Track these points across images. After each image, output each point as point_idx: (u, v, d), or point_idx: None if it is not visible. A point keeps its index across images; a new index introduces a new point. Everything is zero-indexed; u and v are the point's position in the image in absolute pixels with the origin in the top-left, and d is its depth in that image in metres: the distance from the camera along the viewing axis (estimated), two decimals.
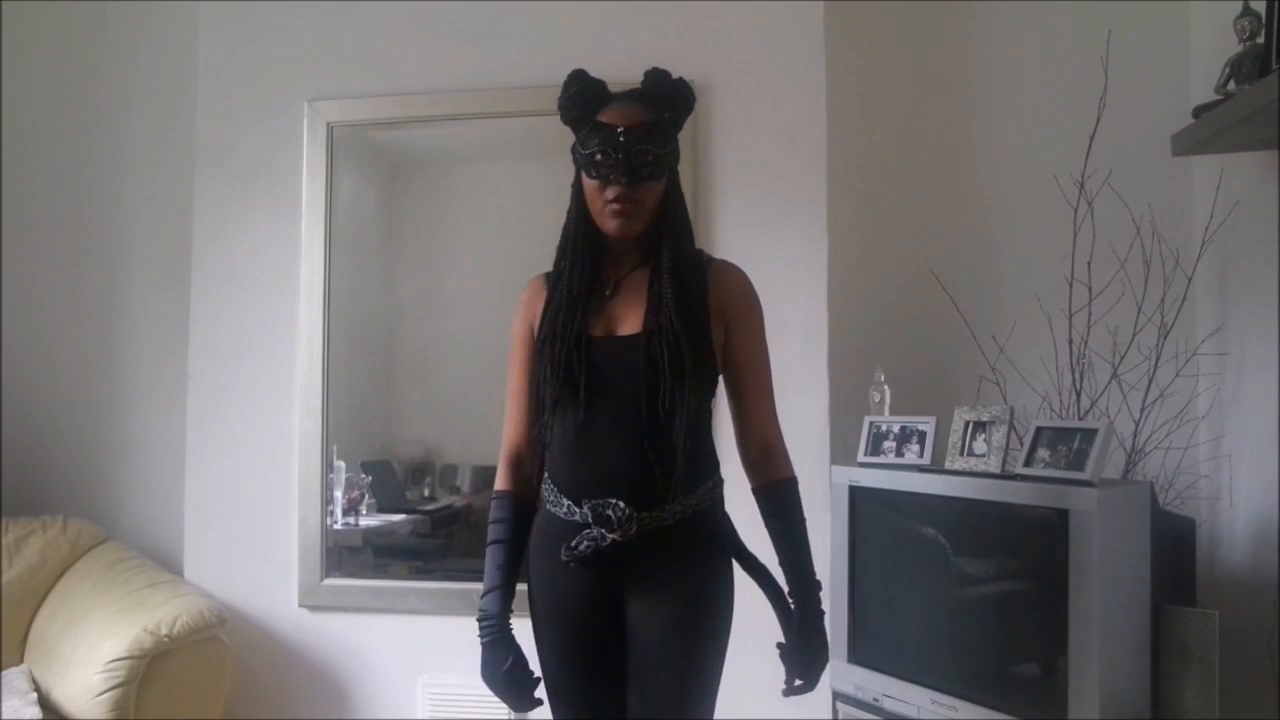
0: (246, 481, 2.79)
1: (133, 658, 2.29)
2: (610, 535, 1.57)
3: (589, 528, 1.59)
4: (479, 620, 1.68)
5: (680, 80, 1.67)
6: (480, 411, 2.85)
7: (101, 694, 2.26)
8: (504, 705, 2.69)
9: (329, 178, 2.78)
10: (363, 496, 2.81)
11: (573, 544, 1.60)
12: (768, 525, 1.71)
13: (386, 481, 2.86)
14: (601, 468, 1.61)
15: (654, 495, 1.59)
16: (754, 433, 1.72)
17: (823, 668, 1.69)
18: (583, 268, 1.66)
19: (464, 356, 2.85)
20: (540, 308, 1.71)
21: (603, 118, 1.62)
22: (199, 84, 2.88)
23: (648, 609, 1.63)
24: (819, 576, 1.71)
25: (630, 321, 1.64)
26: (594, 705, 1.69)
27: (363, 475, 2.82)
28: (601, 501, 1.58)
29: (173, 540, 2.88)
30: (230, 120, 2.85)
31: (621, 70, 2.61)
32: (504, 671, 1.65)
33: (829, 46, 2.59)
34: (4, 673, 2.51)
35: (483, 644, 1.68)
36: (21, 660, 2.61)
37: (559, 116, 1.68)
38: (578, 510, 1.61)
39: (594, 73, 2.70)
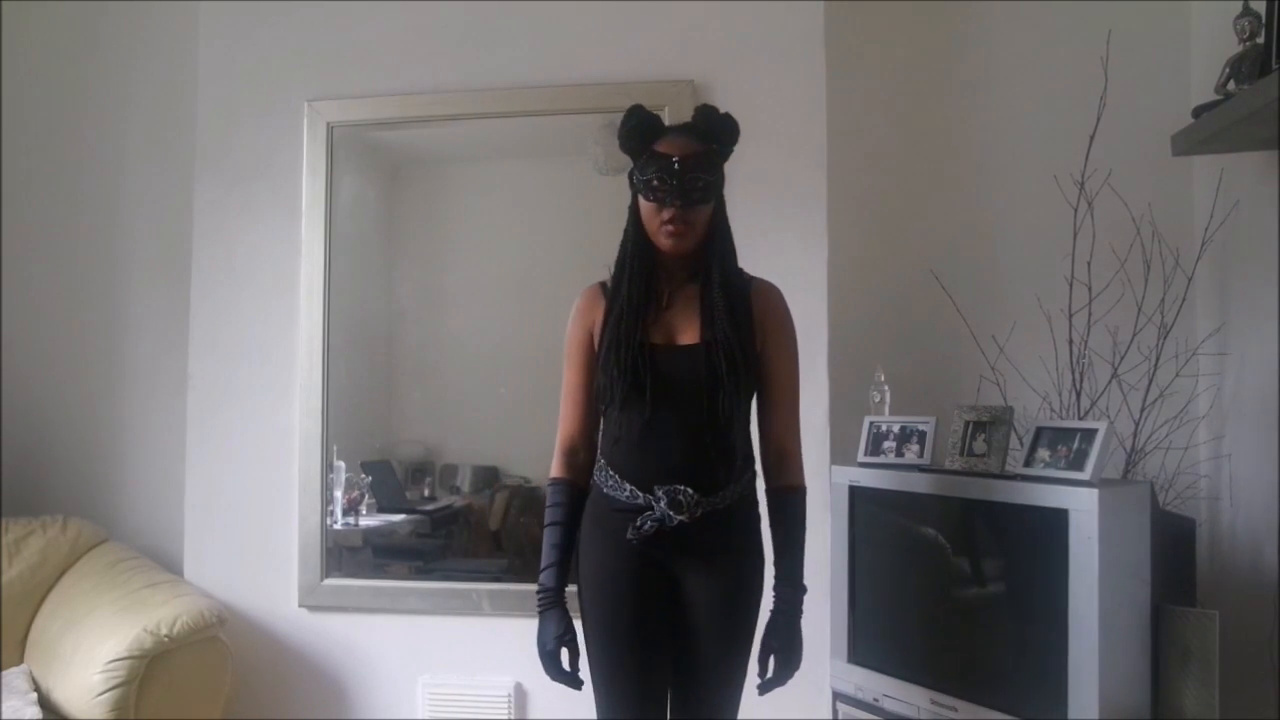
0: (246, 481, 2.79)
1: (133, 658, 2.29)
2: (679, 517, 1.75)
3: (651, 510, 1.76)
4: (537, 593, 1.84)
5: (727, 115, 1.85)
6: (480, 411, 2.85)
7: (101, 694, 2.26)
8: (504, 705, 2.70)
9: (329, 178, 2.78)
10: (363, 496, 2.81)
11: (638, 524, 1.76)
12: (771, 526, 1.87)
13: (386, 481, 2.86)
14: (666, 460, 1.78)
15: (712, 483, 1.78)
16: (773, 439, 1.89)
17: (795, 668, 1.83)
18: (641, 281, 1.83)
19: (464, 356, 2.85)
20: (599, 315, 1.87)
21: (659, 148, 1.79)
22: (199, 84, 2.88)
23: (700, 582, 1.81)
24: (809, 582, 1.86)
25: (688, 332, 1.82)
26: (638, 671, 1.82)
27: (363, 475, 2.82)
28: (674, 488, 1.76)
29: (173, 540, 2.87)
30: (230, 120, 2.85)
31: (622, 70, 2.64)
32: (556, 638, 1.80)
33: (829, 46, 2.59)
34: (4, 673, 2.51)
35: (540, 615, 1.83)
36: (21, 660, 2.61)
37: (618, 146, 1.84)
38: (641, 495, 1.78)
39: (594, 72, 2.71)
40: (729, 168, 1.86)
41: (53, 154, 3.18)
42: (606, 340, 1.82)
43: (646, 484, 1.78)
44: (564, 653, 1.81)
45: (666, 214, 1.77)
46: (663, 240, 1.79)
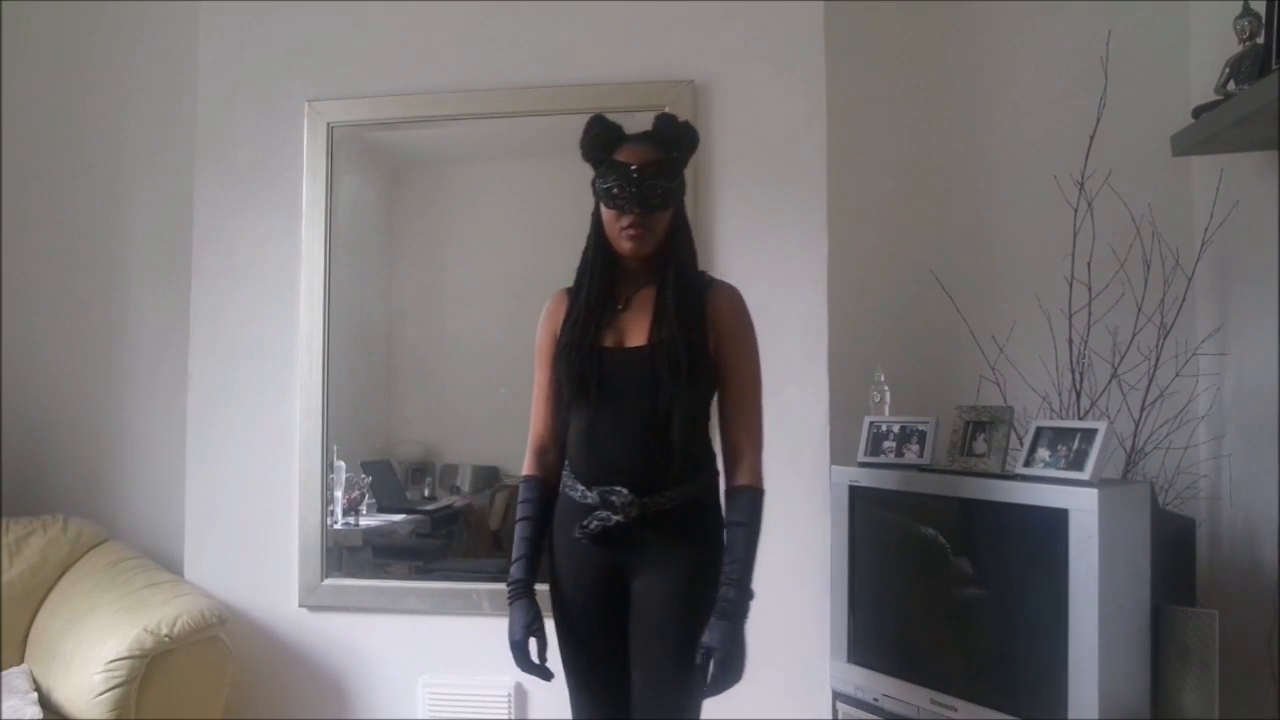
0: (246, 481, 2.79)
1: (133, 657, 2.29)
2: (615, 517, 1.78)
3: (598, 509, 1.80)
4: (508, 584, 1.90)
5: (686, 124, 1.91)
6: (480, 411, 2.85)
7: (102, 694, 2.26)
8: (504, 705, 2.71)
9: (329, 178, 2.78)
10: (363, 496, 2.81)
11: (585, 523, 1.81)
12: (726, 526, 1.85)
13: (386, 481, 2.86)
14: (609, 459, 1.82)
15: (654, 483, 1.80)
16: (729, 439, 1.88)
17: (734, 677, 1.76)
18: (598, 287, 1.89)
19: (464, 356, 2.85)
20: (562, 318, 1.92)
21: (619, 156, 1.84)
22: (199, 84, 2.88)
23: (650, 581, 1.82)
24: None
25: (637, 334, 1.85)
26: (592, 670, 1.88)
27: (363, 475, 2.82)
28: (608, 488, 1.80)
29: (173, 540, 2.87)
30: (230, 120, 2.85)
31: (622, 70, 2.64)
32: (524, 627, 1.85)
33: (829, 46, 2.59)
34: (4, 673, 2.51)
35: (509, 606, 1.88)
36: (22, 660, 2.62)
37: (580, 155, 1.88)
38: (589, 494, 1.82)
39: (594, 72, 2.72)
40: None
41: (53, 154, 3.18)
42: (562, 343, 1.88)
43: (590, 482, 1.82)
44: (532, 643, 1.85)
45: (625, 220, 1.81)
46: (623, 244, 1.84)
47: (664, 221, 1.86)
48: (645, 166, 1.81)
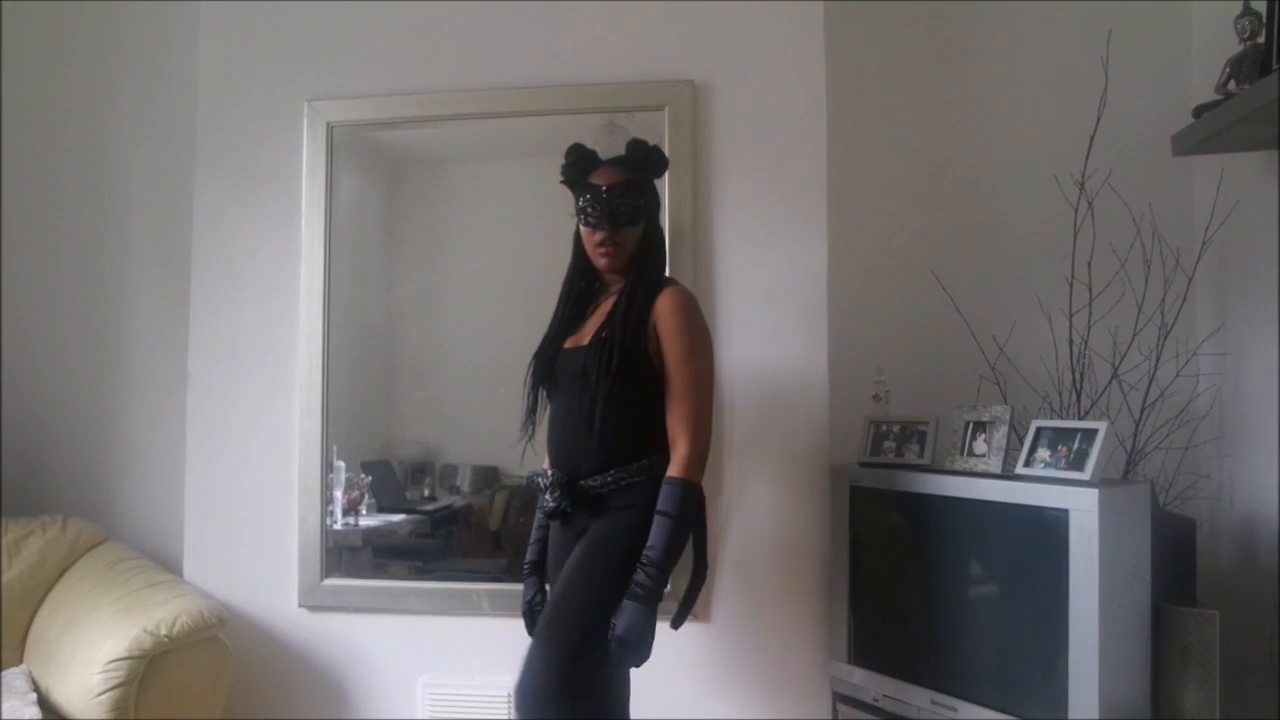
0: (246, 481, 2.78)
1: (132, 658, 2.29)
2: (544, 497, 1.99)
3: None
4: (524, 564, 2.18)
5: (655, 148, 2.12)
6: (480, 411, 2.85)
7: (101, 694, 2.26)
8: (504, 705, 2.72)
9: (329, 178, 2.78)
10: (363, 496, 2.81)
11: (540, 503, 2.04)
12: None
13: (386, 481, 2.86)
14: (557, 446, 2.07)
15: (586, 468, 1.98)
16: (669, 431, 1.99)
17: (632, 656, 1.85)
18: (574, 299, 2.14)
19: (464, 356, 2.85)
20: None
21: (592, 179, 2.05)
22: (199, 84, 2.88)
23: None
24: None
25: (589, 335, 2.04)
26: None
27: (363, 475, 2.82)
28: (537, 471, 2.04)
29: (173, 540, 2.87)
30: (230, 120, 2.85)
31: (622, 70, 2.64)
32: (526, 601, 2.14)
33: (829, 46, 2.59)
34: (4, 673, 2.51)
35: (523, 581, 2.16)
36: (21, 660, 2.61)
37: (560, 179, 2.09)
38: (536, 477, 2.05)
39: (594, 72, 2.72)
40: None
41: (53, 154, 3.18)
42: (536, 349, 2.11)
43: (550, 468, 2.04)
44: (532, 614, 2.10)
45: (598, 237, 2.03)
46: (599, 261, 2.06)
47: (634, 237, 2.05)
48: (613, 187, 2.01)
